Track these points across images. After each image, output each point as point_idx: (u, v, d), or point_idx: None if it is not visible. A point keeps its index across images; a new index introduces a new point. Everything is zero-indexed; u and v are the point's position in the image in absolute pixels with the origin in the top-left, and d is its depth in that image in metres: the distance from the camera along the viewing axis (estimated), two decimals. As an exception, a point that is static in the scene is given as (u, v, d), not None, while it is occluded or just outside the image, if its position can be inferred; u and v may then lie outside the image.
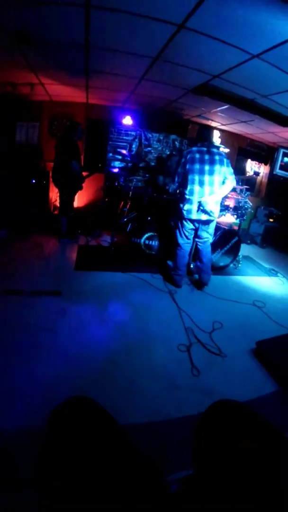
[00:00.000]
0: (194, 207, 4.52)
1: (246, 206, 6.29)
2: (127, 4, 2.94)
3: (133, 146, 8.42)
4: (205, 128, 4.72)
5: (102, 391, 2.67)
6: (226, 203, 6.41)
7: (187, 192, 4.54)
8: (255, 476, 0.83)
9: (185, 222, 4.71)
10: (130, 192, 6.97)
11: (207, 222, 4.67)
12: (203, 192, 4.46)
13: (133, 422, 2.41)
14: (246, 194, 6.31)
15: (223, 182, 4.53)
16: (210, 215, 4.54)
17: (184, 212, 4.61)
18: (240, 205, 6.25)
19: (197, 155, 4.45)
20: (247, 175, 9.45)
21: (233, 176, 4.58)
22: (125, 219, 6.62)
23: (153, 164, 8.42)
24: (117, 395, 2.68)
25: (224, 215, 6.45)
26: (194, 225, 4.72)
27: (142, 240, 5.75)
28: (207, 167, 4.41)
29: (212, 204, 4.50)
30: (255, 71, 3.91)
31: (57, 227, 6.70)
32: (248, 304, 4.79)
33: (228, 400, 1.12)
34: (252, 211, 8.95)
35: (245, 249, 7.42)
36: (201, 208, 4.47)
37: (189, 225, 4.71)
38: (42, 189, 7.64)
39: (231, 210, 6.37)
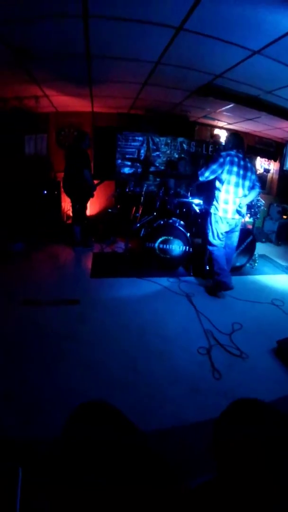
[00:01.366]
0: (230, 207, 4.64)
1: (259, 204, 6.22)
2: (123, 11, 2.94)
3: (142, 151, 8.43)
4: (239, 136, 4.82)
5: (124, 396, 2.66)
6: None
7: (223, 191, 4.62)
8: (278, 477, 0.81)
9: (219, 223, 4.76)
10: (142, 197, 6.97)
11: (237, 224, 4.90)
12: (237, 193, 4.61)
13: (155, 428, 2.39)
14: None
15: (252, 187, 4.75)
16: (242, 216, 4.76)
17: (222, 211, 4.67)
18: (253, 203, 6.18)
19: (236, 159, 4.57)
20: (258, 173, 9.37)
21: (259, 184, 4.86)
22: (138, 225, 6.62)
23: (163, 168, 8.41)
24: (138, 400, 2.67)
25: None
26: (228, 226, 4.78)
27: (156, 245, 5.73)
28: (242, 172, 4.59)
29: (243, 208, 4.73)
30: (257, 67, 3.88)
31: (71, 236, 6.74)
32: (266, 303, 4.72)
33: (248, 398, 1.10)
34: (265, 209, 8.86)
35: (260, 248, 7.33)
36: (238, 209, 4.64)
37: (224, 226, 4.77)
38: (54, 199, 7.69)
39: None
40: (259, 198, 6.19)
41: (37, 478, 1.82)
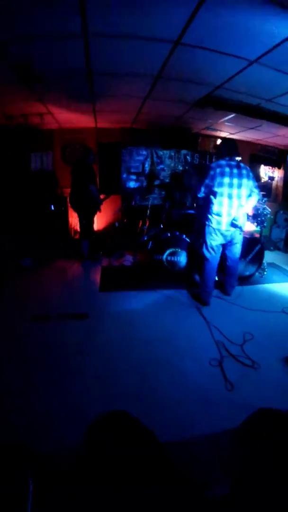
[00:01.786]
0: (224, 219, 4.55)
1: (265, 212, 6.20)
2: (121, 28, 2.99)
3: (146, 165, 8.48)
4: (232, 142, 4.76)
5: (134, 409, 2.64)
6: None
7: (216, 204, 4.56)
8: None
9: (213, 235, 4.69)
10: (148, 211, 7.00)
11: (235, 236, 4.78)
12: (231, 205, 4.51)
13: (165, 440, 2.36)
14: (263, 200, 6.23)
15: (249, 195, 4.63)
16: (239, 228, 4.63)
17: (215, 223, 4.62)
18: (259, 212, 6.16)
19: (227, 169, 4.48)
20: (262, 181, 9.37)
21: (258, 190, 4.72)
22: (146, 238, 6.64)
23: (167, 181, 8.44)
24: (149, 412, 2.64)
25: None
26: (223, 238, 4.72)
27: (164, 257, 5.73)
28: (236, 181, 4.48)
29: (241, 218, 4.62)
30: (256, 76, 3.90)
31: (79, 251, 6.78)
32: (277, 312, 4.68)
33: (268, 408, 1.08)
34: (272, 217, 8.83)
35: (269, 256, 7.30)
36: (233, 222, 4.54)
37: (217, 238, 4.70)
38: (62, 215, 7.76)
39: (250, 218, 6.30)
40: (265, 206, 6.17)
41: (47, 489, 1.81)
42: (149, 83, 4.50)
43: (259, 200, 5.90)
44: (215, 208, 4.57)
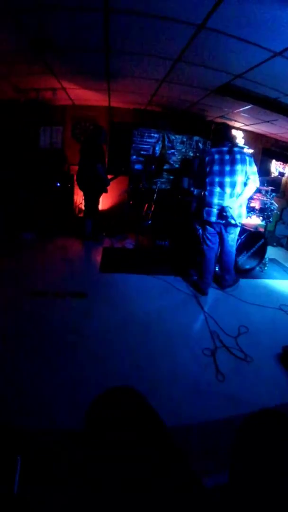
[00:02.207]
0: (215, 210, 4.42)
1: (271, 208, 6.16)
2: (144, 6, 2.92)
3: (157, 148, 8.39)
4: (223, 126, 4.56)
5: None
6: (252, 204, 6.30)
7: (207, 194, 4.45)
8: None
9: (207, 226, 4.63)
10: (155, 195, 6.96)
11: (229, 226, 4.52)
12: (223, 194, 4.35)
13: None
14: (271, 196, 6.19)
15: (245, 183, 4.38)
16: (233, 220, 4.38)
17: (205, 215, 4.53)
18: (266, 206, 6.12)
19: (217, 156, 4.33)
20: (272, 176, 9.29)
21: (256, 175, 4.40)
22: (150, 222, 6.62)
23: (177, 166, 8.37)
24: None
25: (250, 217, 6.34)
26: (215, 229, 4.60)
27: (167, 243, 5.71)
28: (227, 168, 4.28)
29: (236, 209, 4.40)
30: (278, 69, 3.84)
31: (82, 230, 6.77)
32: (274, 308, 4.67)
33: (273, 409, 1.08)
34: (278, 213, 8.79)
35: (271, 252, 7.27)
36: (224, 213, 4.33)
37: (210, 229, 4.64)
38: (67, 192, 7.71)
39: (257, 211, 6.26)
40: (272, 201, 6.13)
41: (37, 467, 1.84)
42: (168, 65, 4.43)
43: (263, 187, 5.86)
44: (206, 198, 4.47)
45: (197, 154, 8.32)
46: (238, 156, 4.30)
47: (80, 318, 3.80)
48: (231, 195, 4.35)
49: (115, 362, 3.10)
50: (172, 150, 8.50)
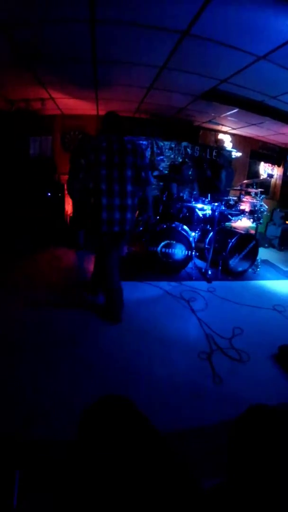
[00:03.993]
0: (104, 214, 3.54)
1: (262, 209, 6.21)
2: (128, 16, 2.97)
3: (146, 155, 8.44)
4: (111, 116, 3.80)
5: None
6: (242, 207, 6.34)
7: (93, 192, 3.55)
8: None
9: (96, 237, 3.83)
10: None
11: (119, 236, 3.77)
12: (112, 193, 3.52)
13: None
14: (261, 197, 6.25)
15: (138, 181, 3.69)
16: (123, 227, 3.67)
17: (96, 221, 3.61)
18: (256, 208, 6.17)
19: (104, 144, 3.50)
20: (261, 177, 9.37)
21: (151, 178, 3.80)
22: (141, 228, 6.63)
23: (166, 172, 8.41)
24: (138, 405, 2.66)
25: (240, 219, 6.39)
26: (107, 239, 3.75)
27: (159, 249, 5.73)
28: (116, 159, 3.51)
29: (129, 212, 3.67)
30: (262, 72, 3.90)
31: (74, 239, 6.76)
32: (268, 309, 4.70)
33: (262, 405, 1.09)
34: (268, 214, 8.85)
35: (263, 253, 7.32)
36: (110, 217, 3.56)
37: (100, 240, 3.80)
38: (58, 202, 7.69)
39: (247, 214, 6.31)
40: (262, 203, 6.18)
41: (37, 478, 1.83)
42: (154, 73, 4.48)
43: (252, 189, 5.89)
44: (92, 199, 3.56)
45: (186, 160, 8.37)
46: (129, 146, 3.59)
47: (75, 328, 3.79)
48: (123, 196, 3.57)
49: (112, 370, 3.10)
50: (161, 157, 8.55)
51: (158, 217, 6.51)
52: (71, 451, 1.06)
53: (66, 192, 6.79)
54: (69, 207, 7.89)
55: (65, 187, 6.70)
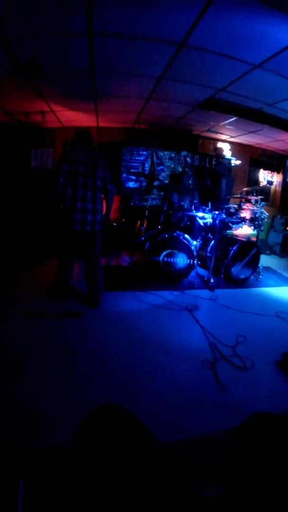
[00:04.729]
0: (79, 215, 4.29)
1: (262, 217, 6.22)
2: (125, 28, 3.01)
3: (146, 165, 8.48)
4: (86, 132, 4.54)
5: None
6: (242, 215, 6.35)
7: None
8: None
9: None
10: (146, 211, 7.02)
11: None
12: (82, 198, 4.25)
13: (159, 440, 2.37)
14: (261, 204, 6.26)
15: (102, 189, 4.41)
16: (94, 227, 4.38)
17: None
18: (256, 215, 6.18)
19: (82, 157, 4.22)
20: (261, 185, 9.39)
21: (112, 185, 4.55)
22: (143, 238, 6.65)
23: (167, 182, 8.44)
24: (141, 414, 2.65)
25: (241, 227, 6.40)
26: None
27: (161, 258, 5.73)
28: (84, 168, 4.22)
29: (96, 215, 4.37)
30: (258, 80, 3.93)
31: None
32: (271, 316, 4.69)
33: (265, 412, 1.08)
34: (269, 221, 8.85)
35: (264, 260, 7.31)
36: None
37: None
38: (59, 212, 7.69)
39: (247, 221, 6.32)
40: (262, 210, 6.19)
41: (39, 488, 1.82)
42: (152, 83, 4.52)
43: (253, 196, 5.91)
44: (68, 203, 4.28)
45: (186, 169, 8.41)
46: (95, 158, 4.32)
47: (76, 338, 3.79)
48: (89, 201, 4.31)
49: (113, 379, 3.08)
50: (161, 167, 8.60)
51: (159, 227, 6.53)
52: (69, 461, 1.06)
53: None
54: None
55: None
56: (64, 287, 4.75)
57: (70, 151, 4.35)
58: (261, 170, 9.56)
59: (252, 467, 0.91)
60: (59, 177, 4.22)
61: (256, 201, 6.32)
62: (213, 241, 5.81)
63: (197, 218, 6.12)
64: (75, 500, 0.94)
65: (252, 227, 6.34)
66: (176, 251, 5.72)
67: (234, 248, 5.67)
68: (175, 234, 5.76)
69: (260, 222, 6.23)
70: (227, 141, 8.52)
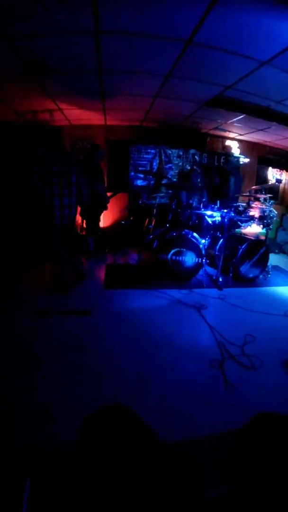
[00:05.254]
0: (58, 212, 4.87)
1: (271, 215, 6.16)
2: (132, 26, 2.99)
3: (154, 163, 8.47)
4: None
5: (133, 407, 2.64)
6: (251, 213, 6.31)
7: None
8: None
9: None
10: (154, 209, 7.01)
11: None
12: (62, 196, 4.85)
13: (165, 439, 2.36)
14: (270, 203, 6.21)
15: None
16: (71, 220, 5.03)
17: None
18: (265, 214, 6.13)
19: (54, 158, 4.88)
20: (270, 183, 9.32)
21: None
22: (151, 236, 6.64)
23: (175, 180, 8.42)
24: (149, 412, 2.64)
25: (250, 225, 6.36)
26: None
27: (169, 256, 5.72)
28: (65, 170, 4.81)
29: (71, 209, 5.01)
30: (266, 77, 3.89)
31: (84, 248, 6.79)
32: (280, 316, 4.65)
33: (269, 412, 1.07)
34: (278, 220, 8.78)
35: (273, 259, 7.25)
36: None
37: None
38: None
39: (256, 220, 6.27)
40: (271, 209, 6.14)
41: (44, 486, 1.82)
42: (159, 81, 4.50)
43: (261, 195, 5.91)
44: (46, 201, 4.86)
45: (194, 167, 8.38)
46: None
47: (85, 335, 3.81)
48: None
49: (121, 378, 3.09)
50: (170, 165, 8.58)
51: (167, 225, 6.52)
52: (71, 460, 1.05)
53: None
54: (79, 216, 7.94)
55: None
56: (64, 279, 5.05)
57: (45, 153, 5.03)
58: (270, 168, 9.49)
59: (255, 467, 0.90)
60: (34, 178, 4.78)
61: (265, 200, 6.27)
62: (221, 240, 5.79)
63: (206, 217, 6.09)
64: (76, 499, 0.93)
65: (261, 226, 6.29)
66: (184, 250, 5.70)
67: (243, 246, 5.64)
68: (183, 232, 5.74)
69: (269, 221, 6.17)
70: (235, 139, 8.47)
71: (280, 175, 9.52)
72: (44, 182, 4.69)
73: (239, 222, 6.21)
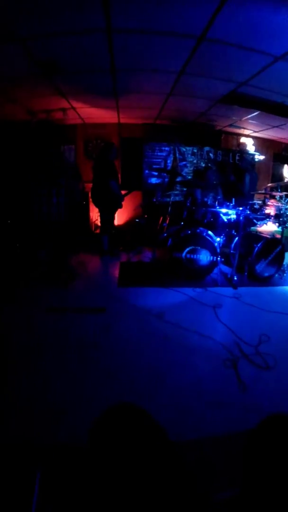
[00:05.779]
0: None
1: (287, 213, 6.10)
2: (144, 23, 2.98)
3: (168, 161, 8.44)
4: None
5: (146, 406, 2.63)
6: (267, 211, 6.25)
7: None
8: None
9: None
10: (169, 207, 6.98)
11: None
12: None
13: (176, 439, 2.34)
14: (286, 201, 6.13)
15: None
16: None
17: None
18: (281, 212, 6.05)
19: None
20: (285, 180, 9.21)
21: None
22: (165, 234, 6.62)
23: (189, 177, 8.38)
24: (161, 412, 2.63)
25: (266, 224, 6.29)
26: None
27: (184, 254, 5.69)
28: None
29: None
30: (281, 73, 3.85)
31: (99, 246, 6.82)
32: (295, 315, 4.59)
33: (282, 413, 1.05)
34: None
35: (289, 257, 7.18)
36: None
37: None
38: (83, 209, 7.79)
39: (272, 218, 6.20)
40: (287, 206, 6.06)
41: (56, 482, 1.82)
42: (172, 79, 4.48)
43: (277, 192, 5.85)
44: None
45: (209, 165, 8.32)
46: None
47: (99, 333, 3.81)
48: None
49: (134, 376, 3.08)
50: (184, 162, 8.54)
51: (182, 223, 6.49)
52: (82, 459, 1.05)
53: (90, 199, 6.88)
54: (93, 214, 7.97)
55: (89, 195, 6.80)
56: (62, 271, 5.31)
57: None
58: (285, 166, 9.37)
59: (265, 471, 0.88)
60: None
61: (281, 197, 6.19)
62: (237, 238, 5.72)
63: (221, 214, 6.04)
64: (86, 496, 0.93)
65: (277, 224, 6.21)
66: (199, 248, 5.67)
67: (258, 245, 5.57)
68: (198, 230, 5.70)
69: (285, 219, 6.10)
70: (250, 136, 8.40)
71: (296, 172, 9.40)
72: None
73: (254, 220, 6.15)
